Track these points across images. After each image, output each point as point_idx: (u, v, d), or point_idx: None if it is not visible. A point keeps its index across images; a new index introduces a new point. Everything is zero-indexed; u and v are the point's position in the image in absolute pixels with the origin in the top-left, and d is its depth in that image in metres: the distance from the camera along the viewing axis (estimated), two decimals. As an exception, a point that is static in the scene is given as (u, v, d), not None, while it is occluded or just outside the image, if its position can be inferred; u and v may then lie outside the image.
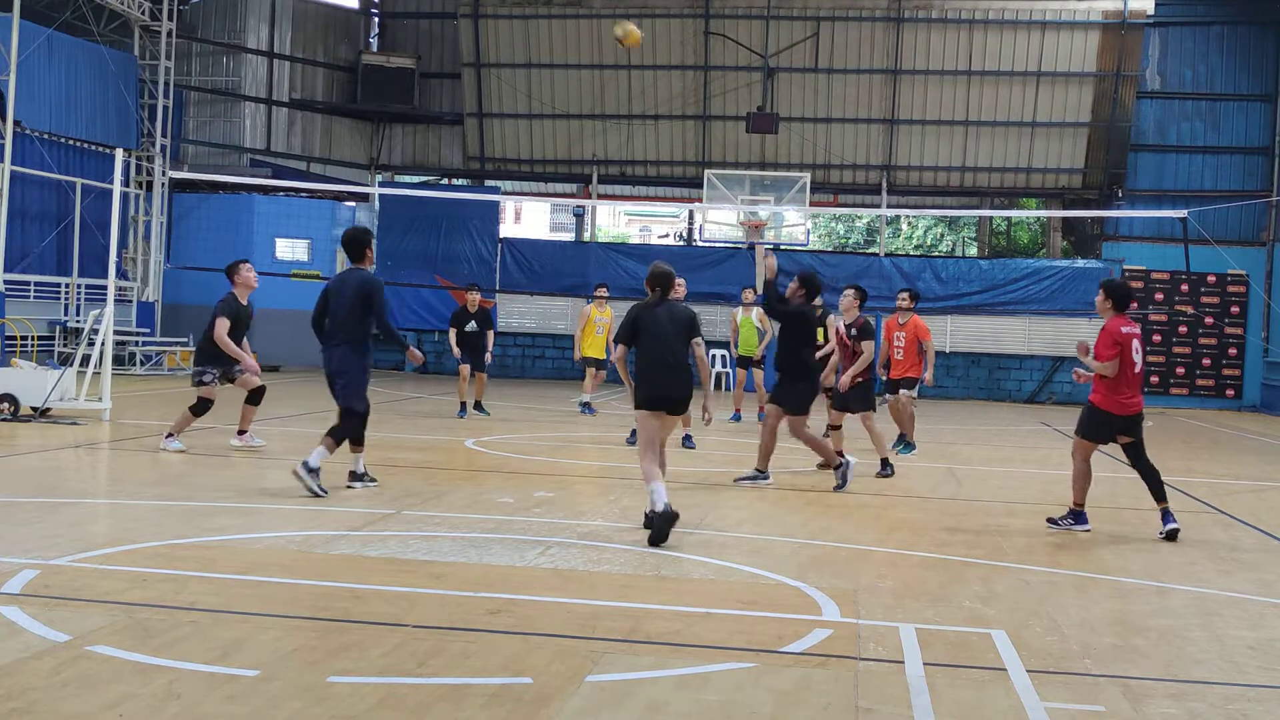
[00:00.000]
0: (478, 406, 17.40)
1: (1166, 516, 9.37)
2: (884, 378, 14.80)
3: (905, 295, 14.92)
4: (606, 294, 18.45)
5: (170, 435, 12.13)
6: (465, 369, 17.16)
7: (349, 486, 9.95)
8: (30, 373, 14.65)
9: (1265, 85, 27.80)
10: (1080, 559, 8.44)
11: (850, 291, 12.71)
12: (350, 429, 9.91)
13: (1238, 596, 7.35)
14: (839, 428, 12.68)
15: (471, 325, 17.40)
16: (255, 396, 12.55)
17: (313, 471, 9.45)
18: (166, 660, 5.03)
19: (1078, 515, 9.63)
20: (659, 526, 8.11)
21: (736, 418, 18.10)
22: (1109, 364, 9.24)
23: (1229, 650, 6.02)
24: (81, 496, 9.63)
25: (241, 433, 12.58)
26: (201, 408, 12.31)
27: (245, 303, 12.68)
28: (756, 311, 17.94)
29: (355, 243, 10.10)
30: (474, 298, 17.65)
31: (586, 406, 18.49)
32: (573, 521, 8.88)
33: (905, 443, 14.63)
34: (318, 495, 9.38)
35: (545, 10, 29.14)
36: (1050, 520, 9.74)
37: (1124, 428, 9.46)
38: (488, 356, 17.52)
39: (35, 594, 6.06)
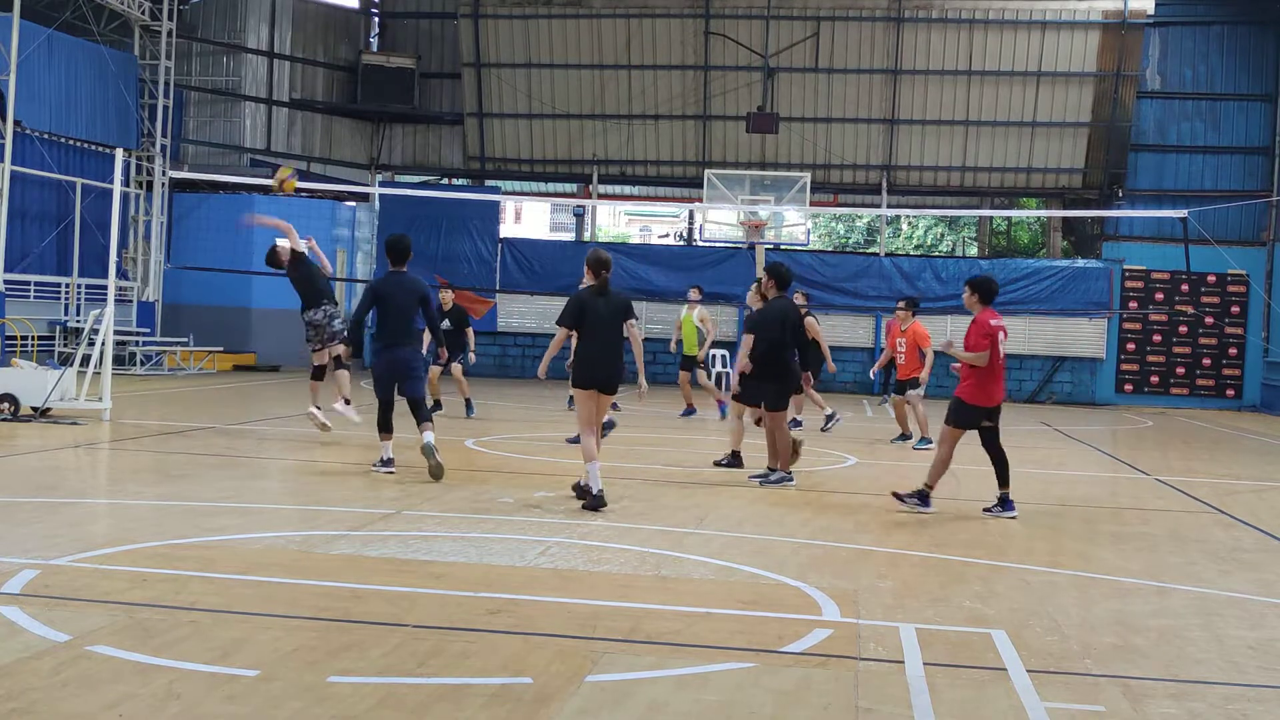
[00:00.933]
0: (467, 406, 17.20)
1: (1006, 502, 9.94)
2: (873, 376, 15.38)
3: (902, 304, 15.75)
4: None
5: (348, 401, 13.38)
6: (436, 370, 16.58)
7: (384, 470, 10.99)
8: (30, 373, 14.65)
9: (1265, 85, 27.80)
10: (1080, 559, 8.44)
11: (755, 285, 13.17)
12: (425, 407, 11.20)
13: (1238, 596, 7.35)
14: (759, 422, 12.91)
15: (446, 324, 16.92)
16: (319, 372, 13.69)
17: (432, 448, 10.66)
18: (166, 660, 5.03)
19: (924, 496, 10.01)
20: (597, 504, 9.26)
21: (689, 413, 18.07)
22: (981, 354, 9.77)
23: (1229, 650, 6.02)
24: (81, 496, 9.63)
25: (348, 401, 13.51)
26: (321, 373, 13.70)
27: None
28: (699, 312, 18.27)
29: (401, 249, 11.16)
30: (447, 296, 17.46)
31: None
32: (573, 521, 8.88)
33: (923, 438, 15.30)
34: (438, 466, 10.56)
35: (545, 10, 29.14)
36: (897, 495, 10.16)
37: (988, 415, 10.03)
38: (471, 356, 17.53)
39: (35, 594, 6.06)
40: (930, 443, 15.16)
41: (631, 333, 9.80)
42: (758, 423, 12.57)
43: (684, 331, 18.43)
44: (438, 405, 17.11)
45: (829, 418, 16.81)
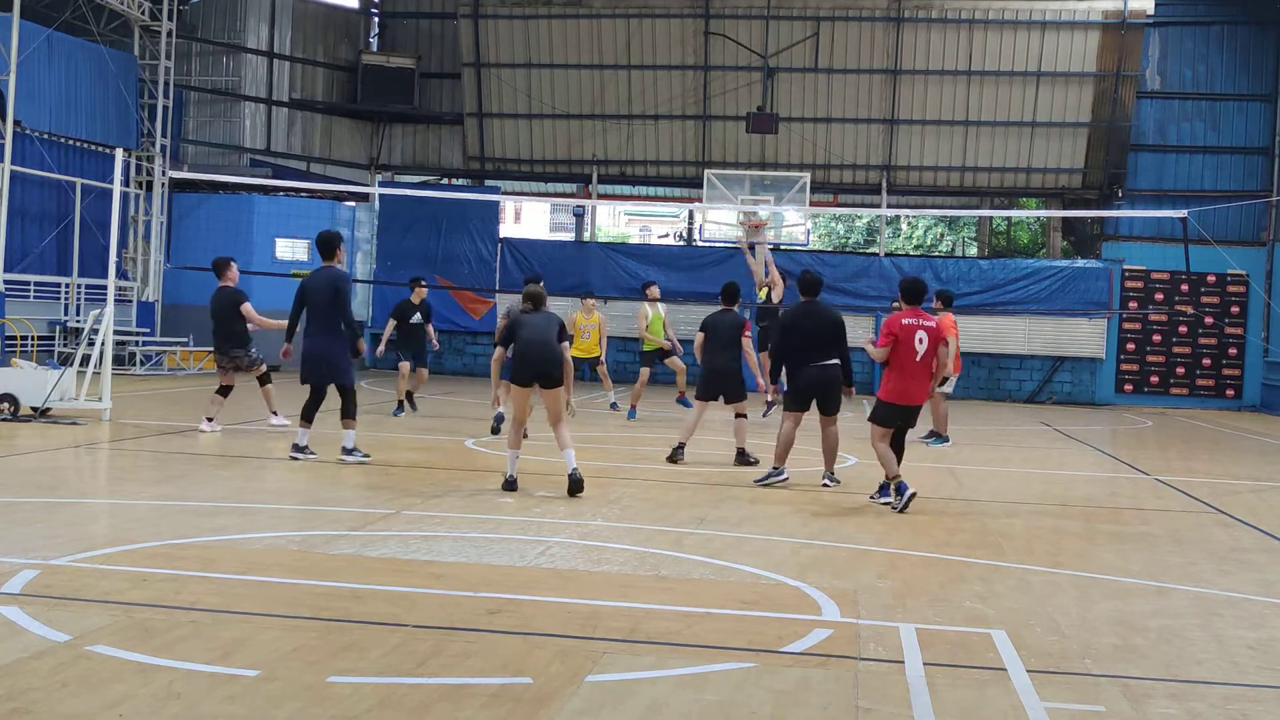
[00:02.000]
0: (409, 398, 17.21)
1: (902, 487, 10.02)
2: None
3: (938, 299, 15.61)
4: (594, 302, 18.88)
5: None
6: (405, 365, 17.04)
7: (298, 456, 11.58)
8: (30, 373, 14.64)
9: (1265, 85, 27.79)
10: (1080, 559, 8.44)
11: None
12: (355, 402, 11.65)
13: (1238, 596, 7.35)
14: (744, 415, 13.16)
15: (417, 317, 17.26)
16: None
17: (351, 451, 11.44)
18: (166, 660, 5.03)
19: (894, 487, 10.15)
20: (511, 486, 10.26)
21: (632, 414, 18.02)
22: (881, 350, 10.22)
23: (1229, 650, 6.02)
24: (81, 496, 9.63)
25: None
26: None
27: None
28: (664, 306, 18.74)
29: (327, 243, 11.84)
30: (422, 291, 17.51)
31: (615, 405, 18.98)
32: (573, 521, 8.88)
33: (937, 436, 15.47)
34: (366, 461, 11.34)
35: (545, 10, 29.13)
36: (873, 496, 10.50)
37: (905, 416, 10.34)
38: (434, 344, 17.72)
39: (35, 594, 6.06)
40: (946, 440, 15.43)
41: (565, 355, 10.50)
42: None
43: (653, 330, 18.65)
44: (403, 405, 17.12)
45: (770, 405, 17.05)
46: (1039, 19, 27.73)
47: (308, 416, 11.77)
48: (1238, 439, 19.94)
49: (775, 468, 11.40)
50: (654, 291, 18.95)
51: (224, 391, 14.16)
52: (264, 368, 14.64)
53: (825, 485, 11.35)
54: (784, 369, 11.43)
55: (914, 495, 10.04)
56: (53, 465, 11.05)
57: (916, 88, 28.52)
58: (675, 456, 12.79)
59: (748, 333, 13.57)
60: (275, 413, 14.54)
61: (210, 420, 13.82)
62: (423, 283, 17.90)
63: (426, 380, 17.77)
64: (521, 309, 10.83)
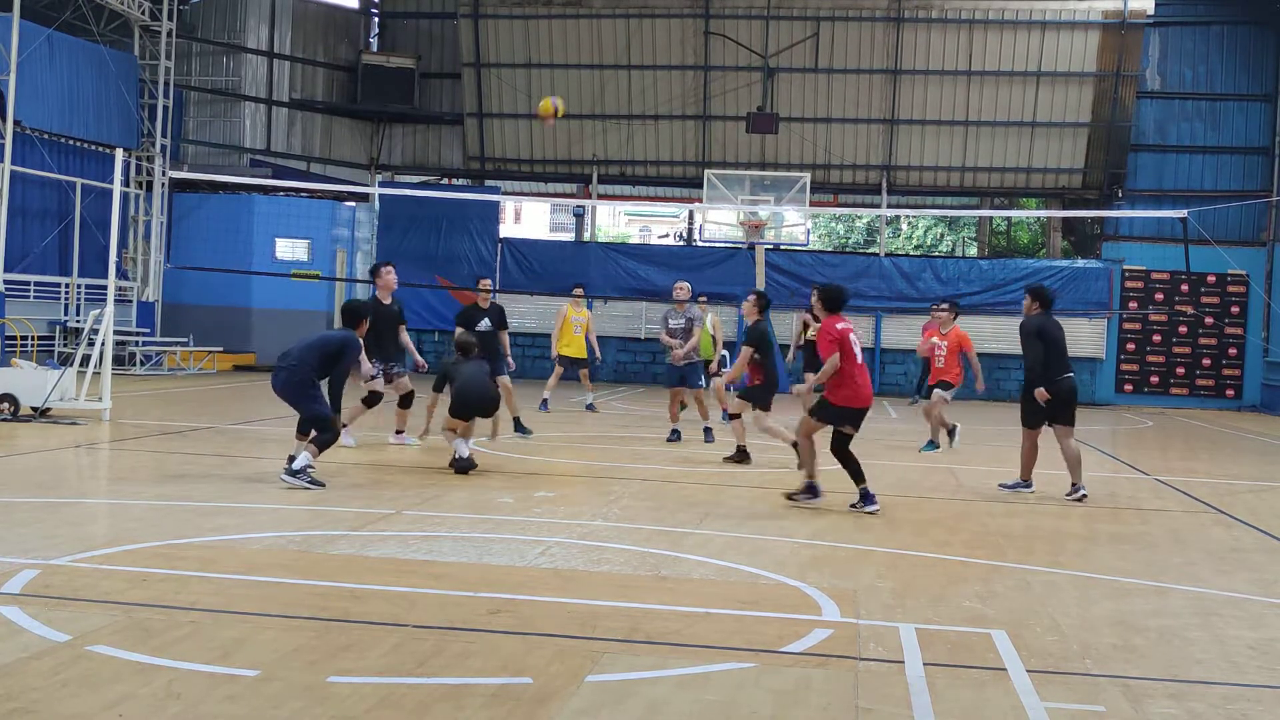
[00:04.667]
0: (517, 426, 14.77)
1: (868, 497, 10.02)
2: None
3: (945, 307, 15.47)
4: (583, 294, 18.78)
5: (345, 426, 12.45)
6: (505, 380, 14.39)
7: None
8: (30, 373, 14.64)
9: (1265, 85, 27.80)
10: (1080, 559, 8.44)
11: (751, 297, 13.28)
12: (329, 432, 10.41)
13: (1238, 596, 7.35)
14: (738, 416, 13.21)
15: (485, 324, 14.48)
16: (406, 400, 13.36)
17: (297, 472, 9.95)
18: (166, 660, 5.03)
19: (804, 486, 10.28)
20: (465, 467, 11.16)
21: (543, 407, 17.94)
22: (832, 359, 10.02)
23: (1229, 650, 6.02)
24: (81, 496, 9.63)
25: (399, 432, 13.45)
26: (375, 400, 13.05)
27: (388, 302, 13.23)
28: (711, 318, 18.15)
29: (353, 313, 11.08)
30: (487, 289, 15.21)
31: (544, 404, 18.07)
32: (573, 521, 8.88)
33: (930, 440, 15.31)
34: (315, 487, 9.89)
35: (545, 10, 29.14)
36: (789, 496, 10.36)
37: (853, 418, 10.17)
38: (509, 362, 15.02)
39: (35, 594, 6.05)
40: (937, 447, 15.26)
41: (504, 384, 12.27)
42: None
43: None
44: (519, 427, 14.92)
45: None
46: (1039, 19, 27.73)
47: (303, 430, 10.47)
48: (1238, 439, 19.94)
49: (1027, 480, 11.53)
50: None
51: (372, 401, 13.03)
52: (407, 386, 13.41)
53: (1078, 498, 11.19)
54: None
55: (820, 499, 10.16)
56: (53, 465, 11.05)
57: (916, 88, 28.53)
58: (740, 458, 12.92)
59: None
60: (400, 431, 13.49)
61: (400, 433, 13.41)
62: (485, 282, 15.51)
63: (513, 395, 14.87)
64: (455, 360, 11.87)
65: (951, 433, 15.05)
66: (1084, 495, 11.17)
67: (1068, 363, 11.42)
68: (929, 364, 15.60)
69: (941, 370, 15.11)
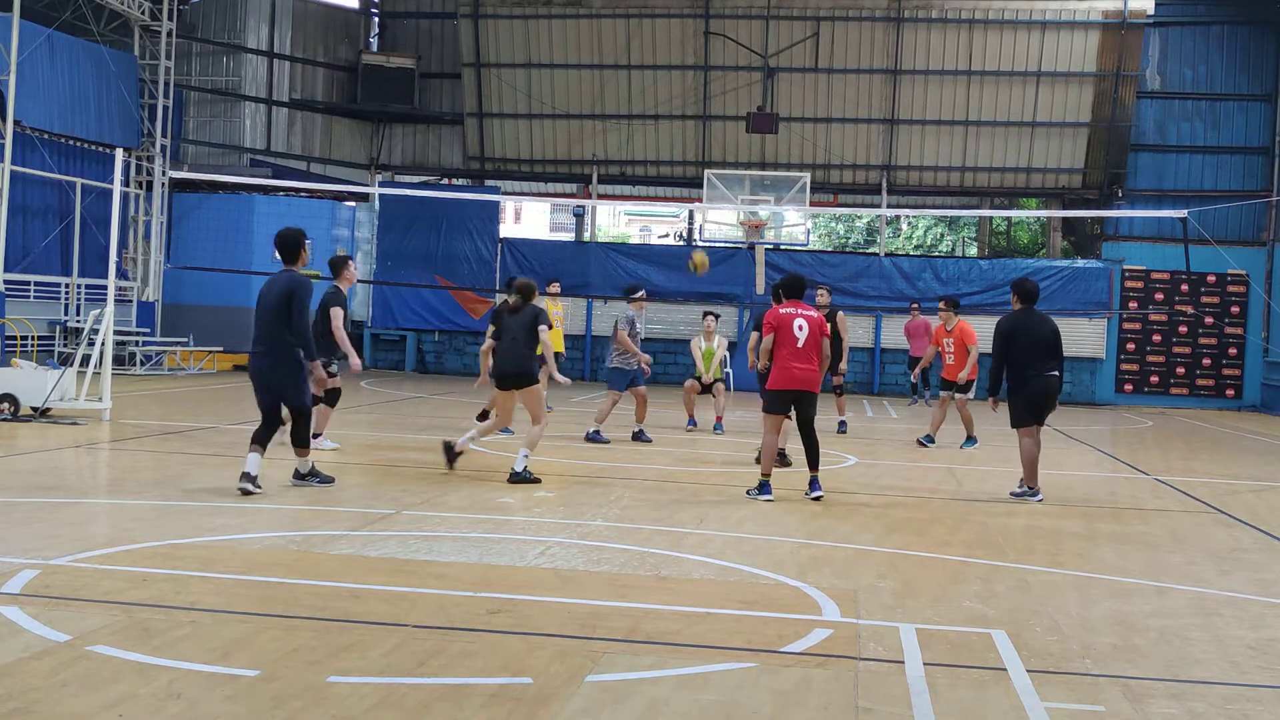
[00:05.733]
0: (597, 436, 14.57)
1: (814, 484, 10.47)
2: (915, 379, 15.52)
3: (943, 304, 15.84)
4: (559, 290, 18.32)
5: (318, 435, 12.16)
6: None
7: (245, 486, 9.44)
8: (30, 373, 14.64)
9: (1265, 85, 27.80)
10: (1080, 559, 8.45)
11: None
12: (309, 428, 10.10)
13: (1238, 596, 7.35)
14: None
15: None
16: (332, 398, 12.68)
17: (306, 476, 10.03)
18: (166, 660, 5.03)
19: (764, 486, 10.44)
20: (450, 451, 11.14)
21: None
22: (767, 338, 10.57)
23: (1229, 650, 6.02)
24: (81, 496, 9.63)
25: (316, 435, 12.43)
26: (335, 398, 12.61)
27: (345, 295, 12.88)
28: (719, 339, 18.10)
29: (289, 244, 9.97)
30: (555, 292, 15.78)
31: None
32: (573, 521, 8.88)
33: (969, 438, 15.59)
34: (328, 485, 9.95)
35: (545, 10, 29.13)
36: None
37: (795, 399, 10.56)
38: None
39: (35, 594, 6.05)
40: (975, 441, 15.59)
41: (544, 339, 11.21)
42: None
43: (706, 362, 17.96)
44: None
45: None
46: (1039, 19, 27.73)
47: (258, 440, 9.74)
48: (1238, 439, 19.94)
49: (1030, 488, 11.19)
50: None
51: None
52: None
53: (1015, 495, 11.29)
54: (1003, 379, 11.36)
55: (770, 499, 10.27)
56: (53, 465, 11.05)
57: (916, 88, 28.52)
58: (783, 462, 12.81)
59: None
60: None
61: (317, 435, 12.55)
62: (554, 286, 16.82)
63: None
64: (509, 305, 11.28)
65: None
66: (1024, 496, 11.12)
67: (1048, 361, 11.10)
68: (929, 362, 15.88)
69: (953, 368, 15.41)
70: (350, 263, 12.96)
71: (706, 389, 16.74)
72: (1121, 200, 27.86)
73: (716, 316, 17.35)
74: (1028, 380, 11.06)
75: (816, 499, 10.35)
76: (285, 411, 9.96)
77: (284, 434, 10.14)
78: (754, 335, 13.04)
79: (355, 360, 12.11)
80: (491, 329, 11.86)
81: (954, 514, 10.21)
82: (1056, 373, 11.20)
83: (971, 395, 15.47)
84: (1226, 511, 10.99)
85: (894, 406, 23.85)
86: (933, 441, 15.67)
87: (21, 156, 22.47)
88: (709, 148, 29.35)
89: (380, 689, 4.81)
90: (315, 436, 12.38)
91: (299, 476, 10.03)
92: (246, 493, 9.31)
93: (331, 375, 12.30)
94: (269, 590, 6.44)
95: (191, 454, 11.90)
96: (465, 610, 6.12)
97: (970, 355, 15.33)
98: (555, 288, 18.62)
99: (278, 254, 10.06)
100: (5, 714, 4.33)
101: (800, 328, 10.49)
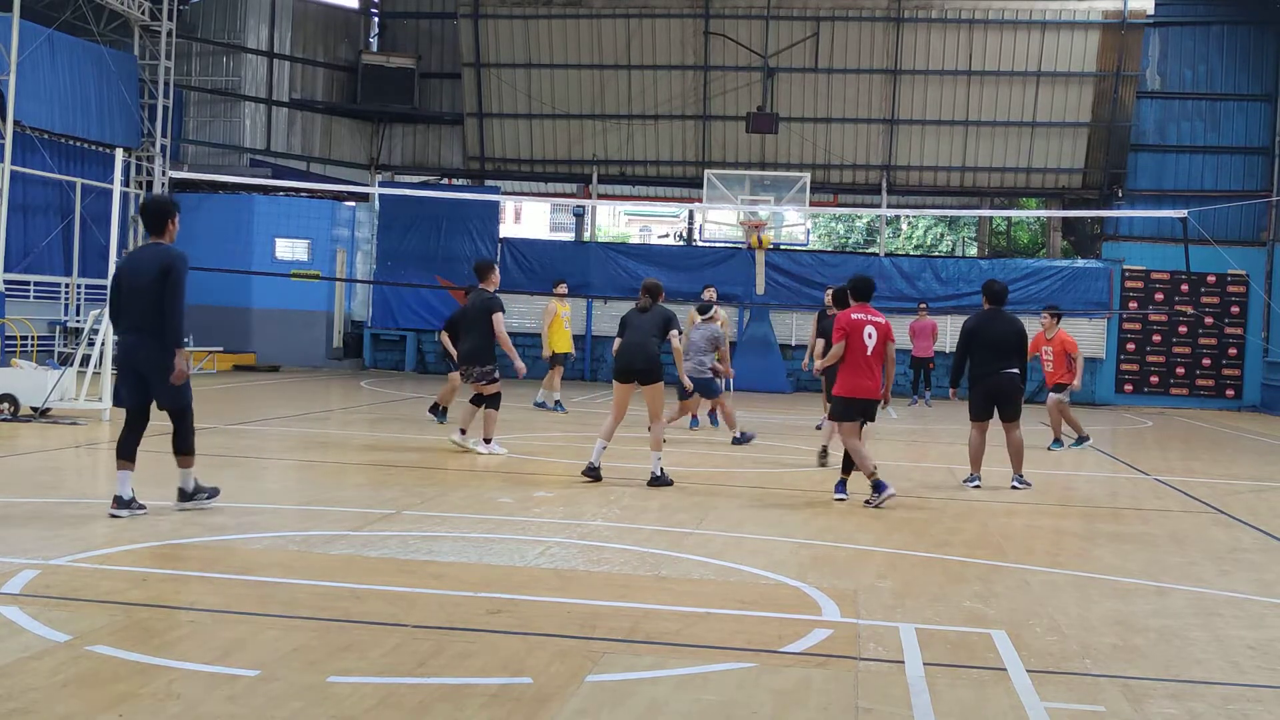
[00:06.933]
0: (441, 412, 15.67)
1: (880, 486, 10.24)
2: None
3: (1046, 314, 16.37)
4: (566, 290, 18.99)
5: (488, 440, 12.53)
6: (456, 376, 14.91)
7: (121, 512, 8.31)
8: (30, 373, 14.64)
9: (1265, 85, 27.79)
10: (1080, 559, 8.45)
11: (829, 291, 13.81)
12: (191, 432, 8.65)
13: (1238, 596, 7.35)
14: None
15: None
16: (494, 401, 12.70)
17: (193, 494, 8.69)
18: (166, 660, 5.03)
19: (872, 484, 10.34)
20: (592, 473, 11.05)
21: (559, 408, 18.46)
22: (838, 345, 10.46)
23: (1229, 650, 6.02)
24: (81, 496, 9.63)
25: (487, 440, 12.73)
26: (497, 401, 12.71)
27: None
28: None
29: (157, 213, 8.57)
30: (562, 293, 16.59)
31: (559, 404, 18.62)
32: (573, 521, 8.88)
33: (1077, 438, 16.06)
34: (208, 504, 8.71)
35: (545, 10, 29.13)
36: (869, 503, 10.31)
37: (863, 410, 10.57)
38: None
39: (35, 594, 6.06)
40: (1089, 440, 16.10)
41: (674, 344, 11.32)
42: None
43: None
44: (440, 412, 15.82)
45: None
46: (1039, 19, 27.73)
47: (126, 453, 8.50)
48: (1238, 439, 19.93)
49: (973, 474, 11.77)
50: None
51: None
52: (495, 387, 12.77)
53: (1015, 488, 11.68)
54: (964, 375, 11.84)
55: (892, 494, 10.19)
56: (53, 465, 11.05)
57: (916, 88, 28.52)
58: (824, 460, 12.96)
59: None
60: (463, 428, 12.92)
61: (488, 441, 12.73)
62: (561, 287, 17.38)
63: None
64: (638, 306, 11.35)
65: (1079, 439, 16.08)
66: (1027, 486, 11.73)
67: (1007, 360, 11.59)
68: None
69: (1053, 375, 15.96)
70: (495, 266, 13.15)
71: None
72: (1121, 200, 27.86)
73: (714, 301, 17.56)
74: (984, 376, 11.61)
75: (840, 500, 10.50)
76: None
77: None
78: (819, 343, 13.22)
79: (520, 363, 12.42)
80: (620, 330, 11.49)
81: (954, 514, 10.20)
82: (1015, 370, 11.65)
83: (1066, 398, 15.88)
84: (1226, 511, 10.99)
85: (894, 406, 23.85)
86: (1087, 439, 16.12)
87: (22, 156, 22.47)
88: (709, 148, 29.35)
89: (380, 689, 4.81)
90: (486, 441, 12.72)
91: (184, 497, 8.60)
92: (119, 516, 8.17)
93: (494, 380, 12.56)
94: (269, 590, 6.44)
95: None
96: (465, 610, 6.12)
97: (1076, 363, 15.89)
98: (562, 288, 18.92)
99: (143, 224, 8.78)
100: (5, 714, 4.33)
101: (870, 335, 10.45)
